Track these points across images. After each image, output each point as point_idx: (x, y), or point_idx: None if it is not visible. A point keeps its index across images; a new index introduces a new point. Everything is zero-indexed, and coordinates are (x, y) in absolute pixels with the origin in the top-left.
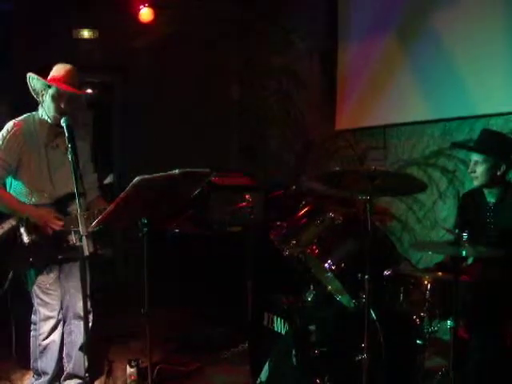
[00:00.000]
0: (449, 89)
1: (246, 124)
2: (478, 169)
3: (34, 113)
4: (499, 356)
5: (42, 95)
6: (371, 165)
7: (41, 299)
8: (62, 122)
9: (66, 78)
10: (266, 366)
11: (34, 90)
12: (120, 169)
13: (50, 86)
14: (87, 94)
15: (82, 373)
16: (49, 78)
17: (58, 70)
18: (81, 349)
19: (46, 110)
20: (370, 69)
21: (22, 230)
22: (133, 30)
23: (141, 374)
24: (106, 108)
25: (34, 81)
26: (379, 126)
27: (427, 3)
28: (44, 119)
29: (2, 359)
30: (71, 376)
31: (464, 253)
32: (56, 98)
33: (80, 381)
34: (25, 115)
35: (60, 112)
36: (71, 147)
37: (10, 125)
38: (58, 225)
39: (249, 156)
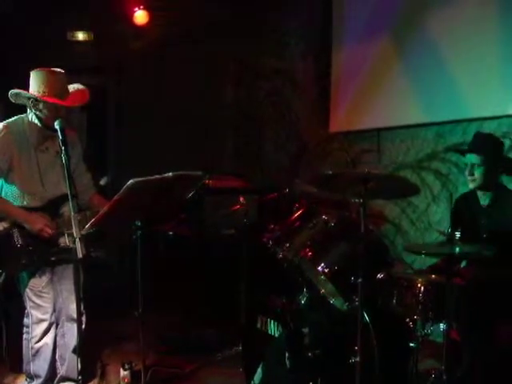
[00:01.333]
0: (442, 92)
1: (240, 126)
2: (476, 171)
3: (23, 115)
4: (492, 358)
5: (34, 105)
6: (365, 167)
7: (33, 302)
8: (56, 125)
9: (60, 88)
10: (260, 369)
11: (17, 101)
12: (114, 171)
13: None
14: (83, 104)
15: (75, 375)
16: (37, 90)
17: (46, 79)
18: (74, 351)
19: (40, 115)
20: (364, 71)
21: (15, 232)
22: (127, 33)
23: (134, 376)
24: (100, 110)
25: (20, 94)
26: (373, 129)
27: (421, 6)
28: (34, 122)
29: None
30: (64, 379)
31: (457, 250)
32: (54, 110)
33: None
34: (14, 118)
35: (57, 118)
36: (64, 150)
37: None
38: (49, 233)
39: (243, 158)
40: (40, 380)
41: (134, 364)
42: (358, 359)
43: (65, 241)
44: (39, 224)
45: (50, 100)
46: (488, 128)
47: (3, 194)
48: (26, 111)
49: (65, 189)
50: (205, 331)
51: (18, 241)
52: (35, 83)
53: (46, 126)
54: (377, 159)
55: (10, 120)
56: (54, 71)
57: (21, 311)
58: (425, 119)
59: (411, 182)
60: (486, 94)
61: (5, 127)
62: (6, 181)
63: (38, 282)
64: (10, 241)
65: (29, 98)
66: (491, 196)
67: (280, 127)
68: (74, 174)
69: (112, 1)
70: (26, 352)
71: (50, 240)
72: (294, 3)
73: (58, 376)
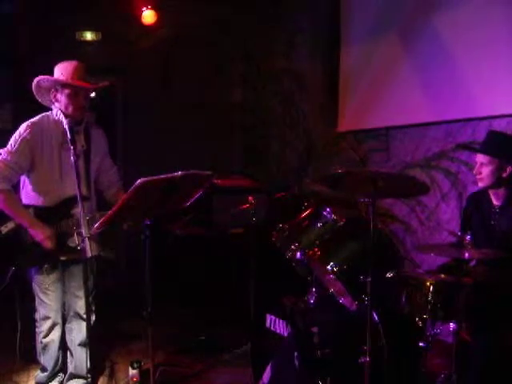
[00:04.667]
0: (451, 90)
1: (248, 126)
2: (483, 170)
3: (48, 113)
4: (502, 358)
5: (54, 95)
6: (374, 167)
7: (40, 299)
8: (65, 124)
9: (79, 74)
10: (268, 368)
11: (40, 94)
12: (122, 170)
13: (64, 86)
14: (106, 86)
15: (84, 372)
16: (58, 77)
17: (66, 68)
18: (81, 348)
19: (62, 110)
20: (373, 70)
21: (25, 229)
22: (135, 32)
23: (143, 375)
24: (108, 109)
25: (44, 83)
26: (382, 128)
27: (430, 4)
28: (59, 120)
29: (8, 356)
30: (74, 376)
31: (467, 255)
32: (74, 97)
33: (83, 381)
34: (39, 116)
35: (80, 108)
36: (73, 149)
37: (23, 127)
38: (49, 246)
39: (251, 158)
40: (46, 373)
41: (142, 363)
42: (367, 359)
43: (75, 240)
44: (41, 235)
45: (68, 82)
46: (498, 126)
47: (23, 191)
48: (32, 112)
49: (84, 189)
50: (213, 330)
51: (28, 237)
52: (56, 73)
53: (71, 117)
54: (386, 158)
55: (35, 118)
56: (73, 61)
57: (34, 308)
58: (434, 118)
59: (420, 181)
60: (495, 92)
61: (28, 126)
62: (28, 178)
63: (46, 280)
64: (20, 237)
65: (50, 89)
66: (504, 196)
67: (289, 127)
68: (100, 170)
69: (120, 0)
70: (38, 345)
71: (59, 238)
72: (302, 3)
73: (68, 373)
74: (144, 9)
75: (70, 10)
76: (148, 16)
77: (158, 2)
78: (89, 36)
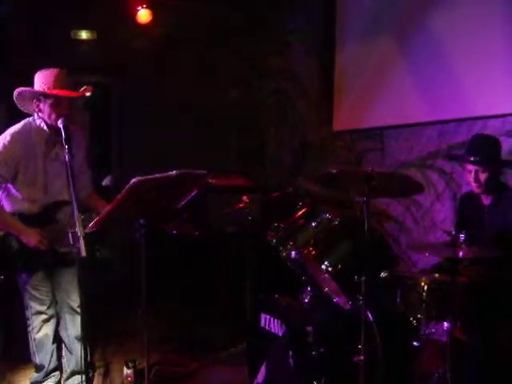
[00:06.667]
0: (446, 90)
1: (244, 125)
2: (481, 177)
3: (30, 120)
4: (496, 357)
5: (37, 105)
6: (369, 166)
7: (31, 294)
8: (59, 124)
9: (61, 82)
10: (263, 368)
11: (23, 103)
12: (117, 170)
13: (46, 96)
14: (86, 95)
15: (82, 368)
16: (40, 87)
17: (47, 76)
18: (79, 339)
19: (45, 118)
20: (368, 70)
21: (12, 237)
22: (131, 31)
23: (138, 374)
24: (103, 109)
25: (26, 94)
26: (377, 128)
27: (425, 4)
28: (42, 128)
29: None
30: (75, 373)
31: (461, 254)
32: (56, 106)
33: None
34: (21, 123)
35: (62, 117)
36: (68, 148)
37: (6, 138)
38: (44, 246)
39: (247, 157)
40: (42, 371)
41: (137, 362)
42: (361, 358)
43: (60, 246)
44: (33, 240)
45: (50, 92)
46: (492, 126)
47: (4, 195)
48: (28, 114)
49: (67, 195)
50: (208, 329)
51: (15, 245)
52: (37, 83)
53: (53, 128)
54: (381, 158)
55: (18, 127)
56: (54, 69)
57: (24, 307)
58: (429, 117)
59: (415, 181)
60: (490, 92)
61: (12, 137)
62: (10, 186)
63: (35, 277)
64: (6, 245)
65: (32, 99)
66: (493, 195)
67: (284, 126)
68: (77, 171)
69: None
70: (31, 344)
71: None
72: (298, 2)
73: (67, 372)
74: (139, 8)
75: (65, 9)
76: (143, 15)
77: (154, 1)
78: (84, 35)
